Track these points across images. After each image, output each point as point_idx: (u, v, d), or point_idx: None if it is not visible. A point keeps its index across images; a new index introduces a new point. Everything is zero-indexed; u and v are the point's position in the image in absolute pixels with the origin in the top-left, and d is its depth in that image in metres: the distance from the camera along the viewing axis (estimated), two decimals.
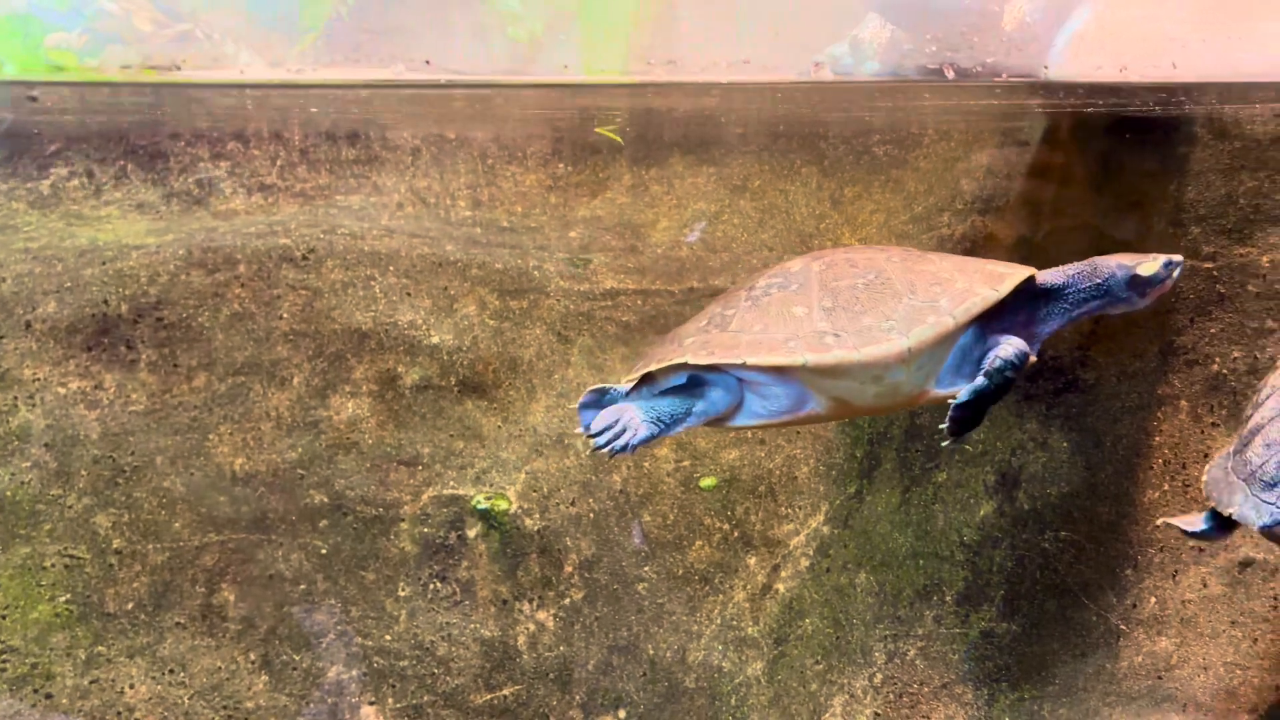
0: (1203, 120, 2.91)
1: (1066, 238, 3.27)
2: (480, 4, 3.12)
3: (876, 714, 3.08)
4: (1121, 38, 2.80)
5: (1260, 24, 2.66)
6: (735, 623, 3.24)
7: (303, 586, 3.14)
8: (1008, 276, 2.27)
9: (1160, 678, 2.80)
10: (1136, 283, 2.43)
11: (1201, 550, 2.90)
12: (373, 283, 3.28)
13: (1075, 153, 3.20)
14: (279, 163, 3.50)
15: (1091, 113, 3.09)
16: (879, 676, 3.10)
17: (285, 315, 3.24)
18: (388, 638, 3.14)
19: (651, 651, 3.21)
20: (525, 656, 3.16)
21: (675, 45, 2.95)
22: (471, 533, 3.19)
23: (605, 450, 2.24)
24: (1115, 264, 2.43)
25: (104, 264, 3.19)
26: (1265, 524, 2.31)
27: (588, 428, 2.29)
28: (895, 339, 2.18)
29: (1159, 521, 2.50)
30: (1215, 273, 2.88)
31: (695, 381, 2.32)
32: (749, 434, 3.37)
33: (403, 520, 3.18)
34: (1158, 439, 2.99)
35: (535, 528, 3.20)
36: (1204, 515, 2.43)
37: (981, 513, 3.12)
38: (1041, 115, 3.19)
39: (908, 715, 3.04)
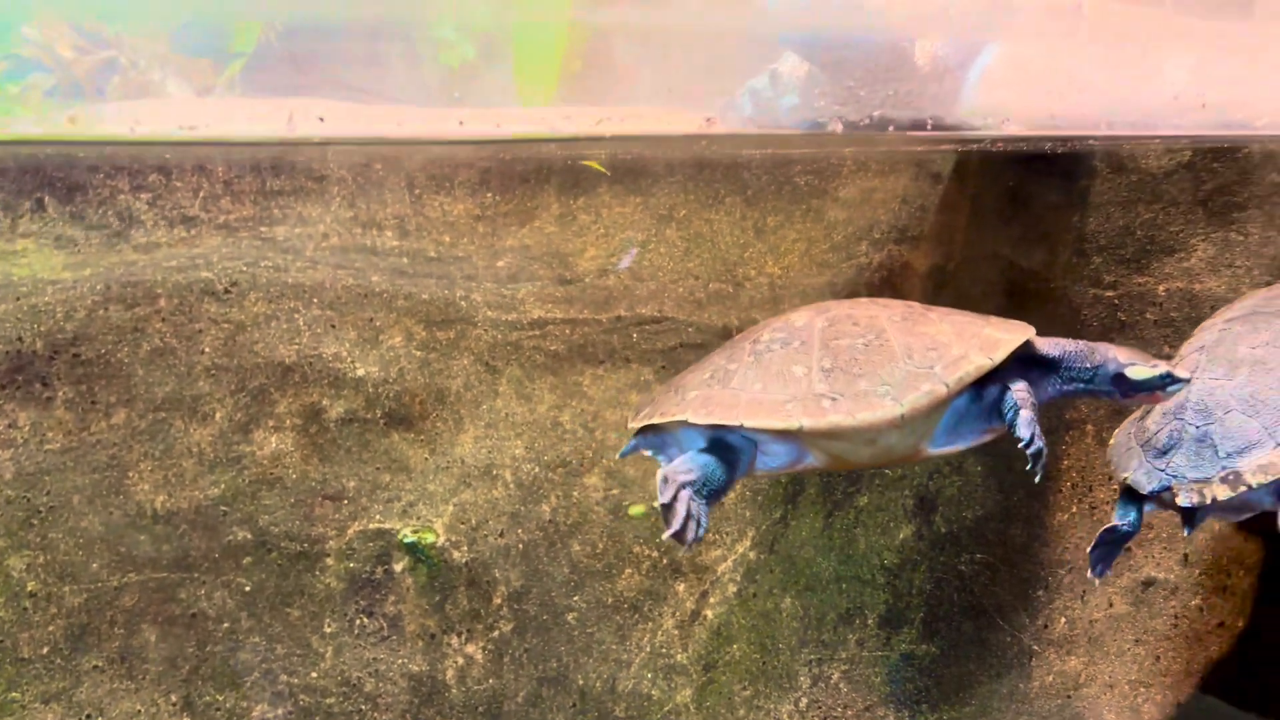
0: (1102, 155, 2.90)
1: (978, 267, 3.20)
2: (413, 30, 2.91)
3: None
4: (1026, 76, 2.69)
5: (1155, 67, 2.56)
6: (665, 650, 3.08)
7: (226, 625, 2.91)
8: (1003, 343, 2.19)
9: (1069, 696, 2.72)
10: (1121, 381, 2.30)
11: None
12: (297, 315, 3.07)
13: (985, 185, 3.14)
14: (202, 194, 3.27)
15: (1000, 150, 3.01)
16: (804, 701, 2.97)
17: (207, 349, 3.01)
18: (314, 675, 2.92)
19: (581, 682, 3.03)
20: (454, 690, 2.96)
21: (604, 79, 2.78)
22: (398, 566, 2.98)
23: (682, 542, 2.20)
24: (1111, 355, 2.31)
25: (18, 300, 2.94)
26: (1153, 489, 2.32)
27: (667, 509, 2.22)
28: (889, 405, 2.11)
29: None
30: (1116, 301, 2.82)
31: (716, 440, 2.25)
32: None
33: (328, 555, 2.96)
34: (1066, 462, 2.92)
35: (463, 560, 3.00)
36: (1118, 504, 2.39)
37: (901, 536, 3.01)
38: (953, 149, 3.09)
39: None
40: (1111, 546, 2.44)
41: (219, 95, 2.94)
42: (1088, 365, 2.30)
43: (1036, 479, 2.17)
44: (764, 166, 3.53)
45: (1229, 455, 2.26)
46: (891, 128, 2.58)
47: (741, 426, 2.17)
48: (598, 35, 2.90)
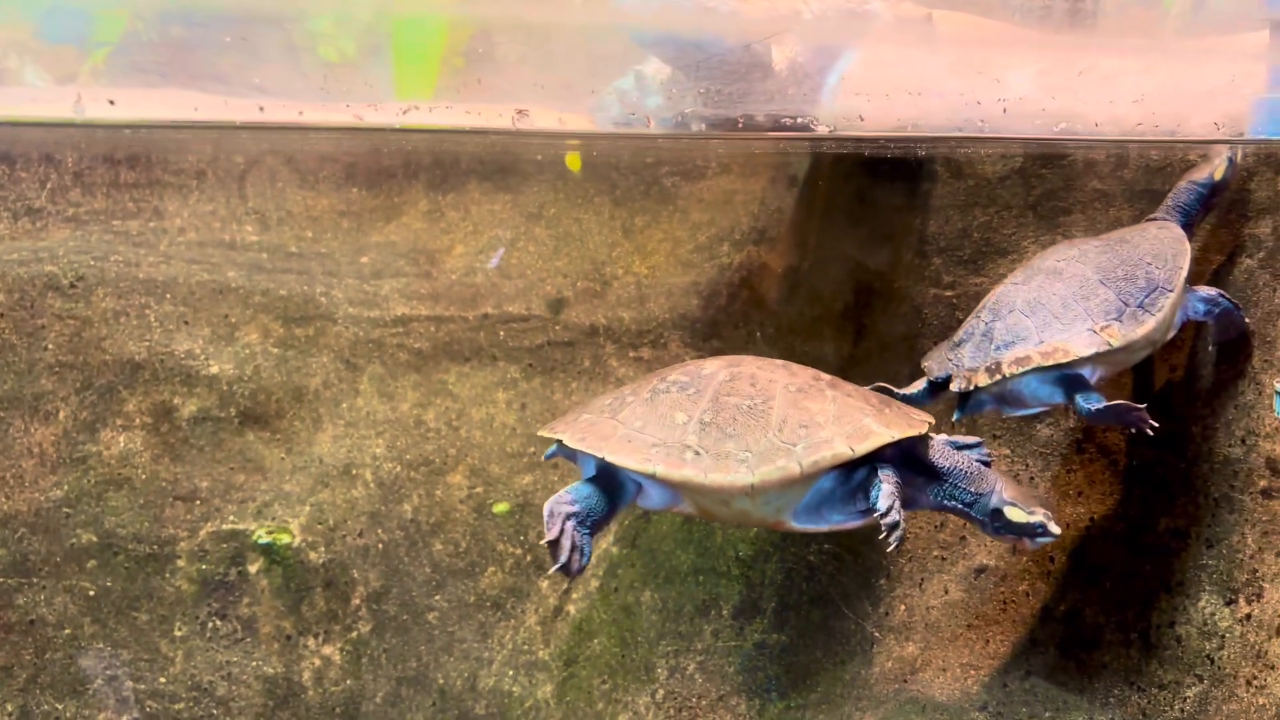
0: (942, 160, 2.87)
1: (828, 268, 3.13)
2: (290, 23, 2.62)
3: None
4: (880, 84, 2.57)
5: (1000, 83, 2.48)
6: (526, 647, 2.87)
7: (67, 631, 2.61)
8: (873, 436, 2.07)
9: (906, 681, 2.64)
10: (997, 517, 2.19)
11: (944, 559, 2.71)
12: (147, 311, 2.77)
13: (835, 189, 3.07)
14: (49, 186, 2.93)
15: (851, 152, 2.90)
16: (661, 692, 2.81)
17: (50, 346, 2.70)
18: (162, 680, 2.64)
19: (441, 681, 2.81)
20: (311, 693, 2.71)
21: (482, 73, 2.56)
22: (253, 568, 2.72)
23: (568, 574, 2.13)
24: (998, 487, 2.20)
25: None
26: (939, 376, 2.34)
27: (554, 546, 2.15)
28: (742, 472, 2.04)
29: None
30: (954, 300, 2.78)
31: (604, 467, 2.18)
32: (542, 459, 2.99)
33: (179, 558, 2.69)
34: None
35: (320, 560, 2.75)
36: (923, 393, 2.42)
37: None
38: (807, 153, 2.96)
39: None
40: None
41: (81, 85, 2.62)
42: (972, 489, 2.19)
43: (890, 549, 2.07)
44: (632, 168, 3.35)
45: (998, 348, 2.28)
46: (741, 124, 2.42)
47: (604, 460, 2.10)
48: (480, 33, 2.67)
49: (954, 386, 2.31)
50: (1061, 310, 2.27)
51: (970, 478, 2.17)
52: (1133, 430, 2.28)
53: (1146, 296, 2.27)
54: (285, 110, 2.65)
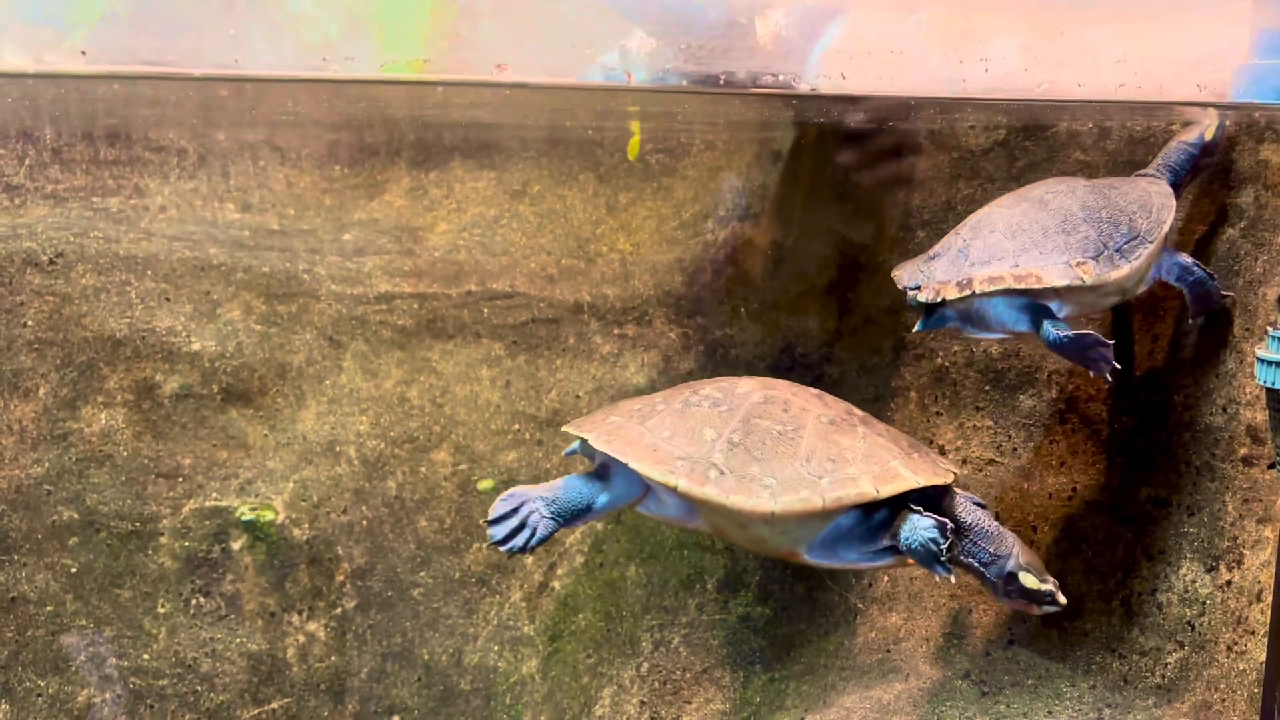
0: (926, 133, 2.79)
1: (813, 243, 3.11)
2: (273, 5, 2.58)
3: (642, 702, 2.77)
4: (865, 55, 2.54)
5: (983, 45, 2.46)
6: (511, 623, 2.85)
7: (49, 608, 2.58)
8: (899, 480, 2.04)
9: (889, 650, 2.63)
10: (1011, 580, 2.16)
11: None
12: (128, 288, 2.73)
13: (819, 163, 3.00)
14: (28, 162, 2.89)
15: (835, 125, 2.87)
16: (645, 666, 2.80)
17: (30, 323, 2.66)
18: (145, 657, 2.61)
19: (426, 656, 2.79)
20: (295, 669, 2.69)
21: (470, 56, 2.53)
22: (236, 545, 2.69)
23: (504, 549, 2.06)
24: (1015, 550, 2.16)
25: None
26: (907, 285, 2.31)
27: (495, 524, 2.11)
28: (764, 499, 2.01)
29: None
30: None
31: (605, 465, 2.15)
32: (526, 436, 2.97)
33: (162, 535, 2.65)
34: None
35: (304, 538, 2.72)
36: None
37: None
38: (792, 128, 2.93)
39: (671, 701, 2.76)
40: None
41: (59, 64, 2.57)
42: (991, 549, 2.15)
43: (950, 579, 2.04)
44: (617, 145, 3.32)
45: (973, 264, 2.25)
46: (723, 80, 2.40)
47: (627, 465, 2.06)
48: (463, 13, 2.64)
49: (922, 297, 2.27)
50: (1041, 238, 2.24)
51: (990, 537, 2.14)
52: (1091, 371, 2.24)
53: (1126, 243, 2.25)
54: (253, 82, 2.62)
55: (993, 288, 2.20)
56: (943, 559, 2.00)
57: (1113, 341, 2.23)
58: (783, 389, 2.19)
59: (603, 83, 2.71)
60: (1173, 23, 2.38)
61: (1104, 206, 2.29)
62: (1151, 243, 2.26)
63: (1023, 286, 2.19)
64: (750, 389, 2.17)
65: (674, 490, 2.03)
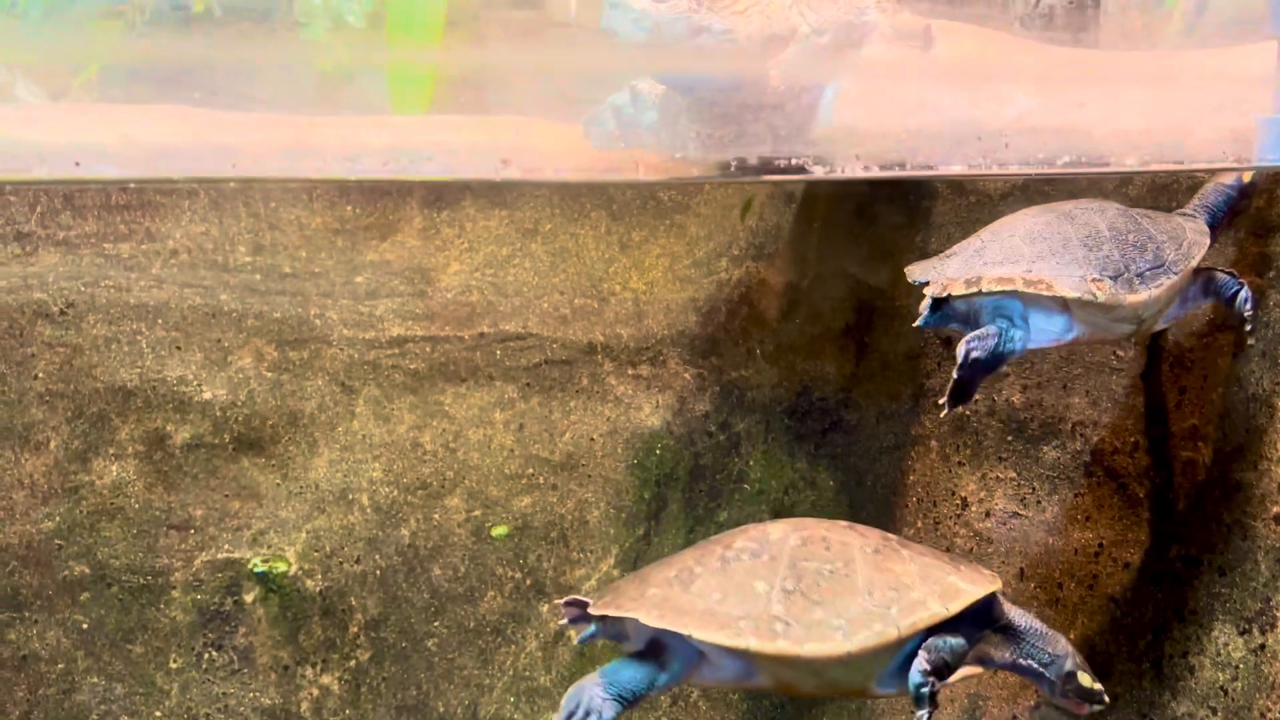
0: (942, 177, 2.65)
1: (828, 284, 3.04)
2: (286, 33, 2.52)
3: None
4: (875, 115, 2.48)
5: (999, 101, 2.39)
6: (527, 673, 2.79)
7: (61, 666, 2.54)
8: (963, 594, 2.03)
9: (913, 712, 2.51)
10: (1070, 680, 2.12)
11: None
12: (139, 337, 2.69)
13: (834, 205, 2.98)
14: (39, 209, 2.85)
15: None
16: (665, 719, 2.72)
17: (40, 375, 2.62)
18: (158, 714, 2.57)
19: (442, 709, 2.74)
20: None
21: (474, 95, 2.47)
22: (249, 597, 2.64)
23: None
24: (1069, 651, 2.14)
25: None
26: (917, 279, 2.25)
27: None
28: (839, 640, 1.96)
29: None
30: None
31: (657, 641, 2.07)
32: (540, 480, 2.92)
33: (174, 588, 2.61)
34: (912, 477, 2.78)
35: (317, 588, 2.67)
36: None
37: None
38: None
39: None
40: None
41: (74, 100, 2.52)
42: (1049, 650, 2.13)
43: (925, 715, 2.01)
44: (629, 182, 3.25)
45: (986, 264, 2.18)
46: (734, 167, 2.33)
47: (690, 636, 1.99)
48: (476, 41, 2.57)
49: (929, 291, 2.19)
50: (1061, 249, 2.16)
51: (1045, 638, 2.13)
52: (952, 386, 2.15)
53: (1149, 269, 2.16)
54: (282, 127, 2.56)
55: (1000, 288, 2.12)
56: (927, 700, 1.98)
57: (967, 400, 2.15)
58: (813, 526, 2.15)
59: (612, 176, 2.65)
60: (1195, 73, 2.31)
61: (1132, 231, 2.22)
62: (1176, 274, 2.18)
63: (1032, 291, 2.11)
64: (784, 533, 2.12)
65: (744, 652, 1.98)
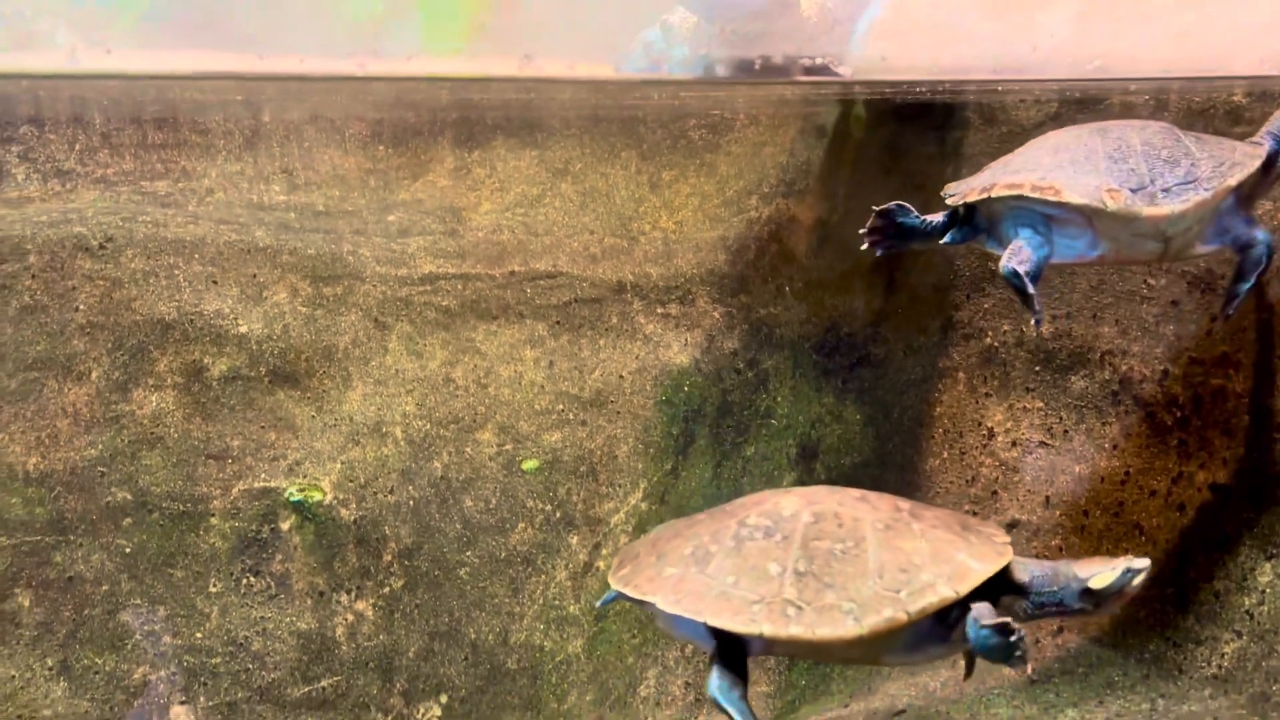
0: (974, 107, 2.77)
1: (859, 219, 3.03)
2: None
3: (687, 683, 2.78)
4: (911, 28, 2.45)
5: (1033, 16, 2.36)
6: (557, 602, 2.85)
7: (105, 587, 2.62)
8: (973, 573, 2.03)
9: None
10: (1090, 595, 2.09)
11: (975, 513, 2.71)
12: (176, 272, 2.74)
13: (865, 139, 2.96)
14: (78, 148, 2.90)
15: (881, 100, 2.79)
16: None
17: (81, 307, 2.69)
18: (198, 635, 2.65)
19: (473, 635, 2.80)
20: (344, 647, 2.71)
21: (513, 32, 2.49)
22: (285, 525, 2.71)
23: None
24: (1072, 573, 2.10)
25: None
26: (946, 194, 2.23)
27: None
28: (850, 624, 1.99)
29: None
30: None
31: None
32: (570, 416, 2.95)
33: (212, 515, 2.68)
34: (939, 409, 2.79)
35: (352, 517, 2.74)
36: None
37: (785, 483, 2.91)
38: (836, 102, 2.85)
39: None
40: (899, 235, 2.32)
41: (111, 47, 2.58)
42: (1056, 588, 2.11)
43: (1026, 671, 2.04)
44: (659, 121, 3.27)
45: (1005, 173, 2.15)
46: (759, 65, 2.33)
47: (706, 624, 2.04)
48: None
49: (948, 200, 2.17)
50: (1083, 159, 2.10)
51: (1049, 578, 2.11)
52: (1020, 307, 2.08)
53: (1177, 184, 2.06)
54: (315, 71, 2.60)
55: (1009, 193, 2.08)
56: (1019, 653, 1.98)
57: (1039, 310, 2.08)
58: (827, 500, 2.16)
59: (639, 74, 2.66)
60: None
61: (1168, 146, 2.12)
62: (1207, 192, 2.05)
63: (1038, 195, 2.05)
64: (796, 508, 2.14)
65: (760, 637, 2.02)
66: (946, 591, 2.00)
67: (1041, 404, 2.70)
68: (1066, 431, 2.66)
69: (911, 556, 2.04)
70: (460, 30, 2.71)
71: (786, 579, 2.04)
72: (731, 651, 2.08)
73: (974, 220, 2.19)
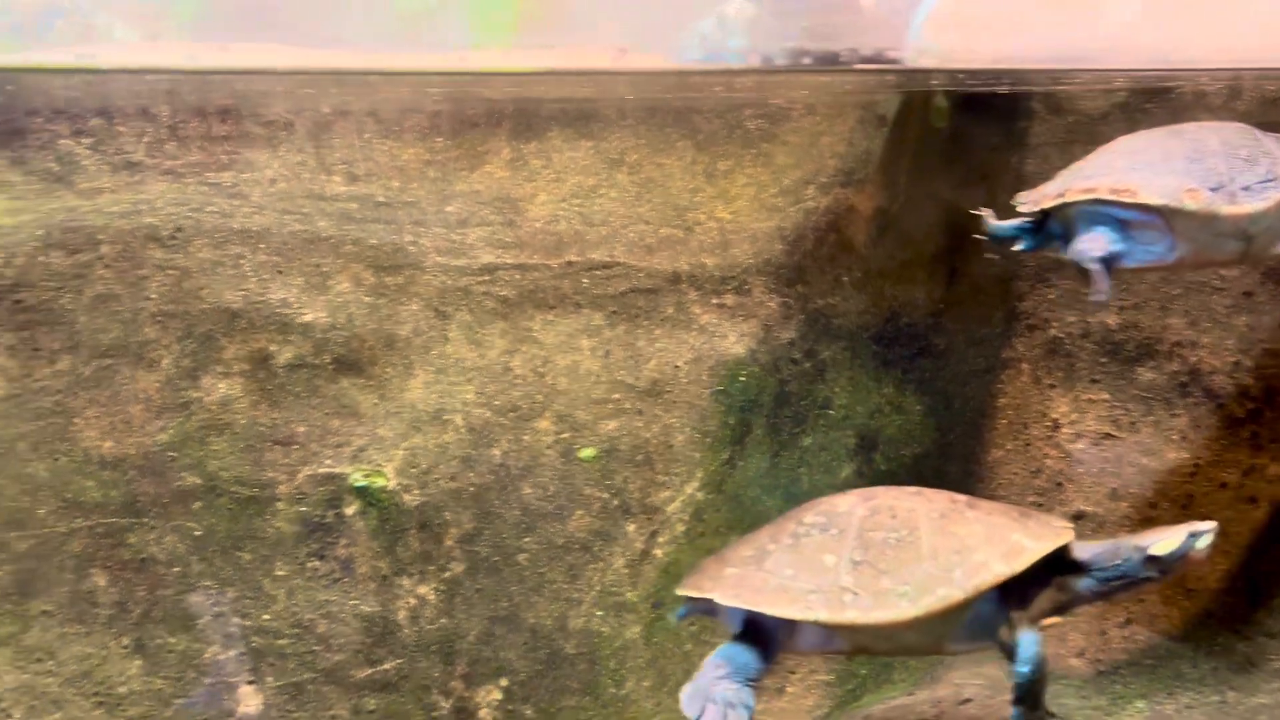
0: (1040, 97, 2.64)
1: (920, 209, 3.02)
2: None
3: None
4: (972, 18, 2.43)
5: (1099, 2, 2.33)
6: (614, 589, 2.89)
7: (177, 569, 2.69)
8: (1027, 552, 2.05)
9: None
10: (1155, 562, 2.10)
11: (1040, 505, 2.66)
12: (243, 261, 2.80)
13: (927, 128, 2.90)
14: (146, 139, 2.97)
15: (943, 90, 2.77)
16: None
17: (153, 295, 2.76)
18: (266, 617, 2.71)
19: (532, 620, 2.84)
20: (406, 630, 2.76)
21: (560, 23, 2.51)
22: (349, 510, 2.76)
23: None
24: (1132, 545, 2.12)
25: None
26: (1022, 201, 2.22)
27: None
28: (905, 606, 2.03)
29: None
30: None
31: (751, 620, 2.19)
32: (626, 405, 2.98)
33: (279, 500, 2.74)
34: (1002, 400, 2.77)
35: (414, 503, 2.79)
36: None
37: (843, 474, 2.88)
38: (897, 93, 2.84)
39: (775, 671, 2.85)
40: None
41: (167, 40, 2.64)
42: (1118, 562, 2.12)
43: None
44: (715, 111, 3.28)
45: (1076, 178, 2.15)
46: (814, 60, 2.33)
47: (762, 613, 2.11)
48: None
49: (1021, 208, 2.17)
50: (1160, 161, 2.08)
51: (1110, 554, 2.12)
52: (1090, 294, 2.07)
53: (1258, 182, 2.05)
54: (367, 63, 2.63)
55: (1084, 197, 2.07)
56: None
57: (1105, 290, 2.06)
58: (882, 496, 2.20)
59: (696, 64, 2.67)
60: None
61: (1246, 145, 2.10)
62: None
63: (1115, 198, 2.04)
64: (851, 505, 2.18)
65: (816, 624, 2.07)
66: (1001, 568, 2.01)
67: (1108, 396, 2.68)
68: (1134, 423, 2.65)
69: (965, 539, 2.06)
70: (510, 22, 2.73)
71: (843, 568, 2.08)
72: (753, 643, 2.12)
73: (1047, 227, 2.18)
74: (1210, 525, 2.05)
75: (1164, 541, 2.06)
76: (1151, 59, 2.28)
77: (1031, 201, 2.18)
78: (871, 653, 2.27)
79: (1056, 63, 2.48)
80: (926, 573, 2.03)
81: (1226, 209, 2.05)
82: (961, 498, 2.20)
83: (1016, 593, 2.07)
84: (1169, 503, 2.60)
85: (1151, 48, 2.31)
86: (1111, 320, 2.69)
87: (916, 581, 2.02)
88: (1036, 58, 2.50)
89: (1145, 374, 2.65)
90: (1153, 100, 2.65)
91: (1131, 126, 2.67)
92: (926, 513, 2.13)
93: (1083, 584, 2.12)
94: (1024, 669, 2.04)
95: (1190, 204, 2.04)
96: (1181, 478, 2.58)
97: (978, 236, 2.29)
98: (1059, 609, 2.15)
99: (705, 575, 2.23)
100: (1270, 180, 2.07)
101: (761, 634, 2.17)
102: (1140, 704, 2.35)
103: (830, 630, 2.11)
